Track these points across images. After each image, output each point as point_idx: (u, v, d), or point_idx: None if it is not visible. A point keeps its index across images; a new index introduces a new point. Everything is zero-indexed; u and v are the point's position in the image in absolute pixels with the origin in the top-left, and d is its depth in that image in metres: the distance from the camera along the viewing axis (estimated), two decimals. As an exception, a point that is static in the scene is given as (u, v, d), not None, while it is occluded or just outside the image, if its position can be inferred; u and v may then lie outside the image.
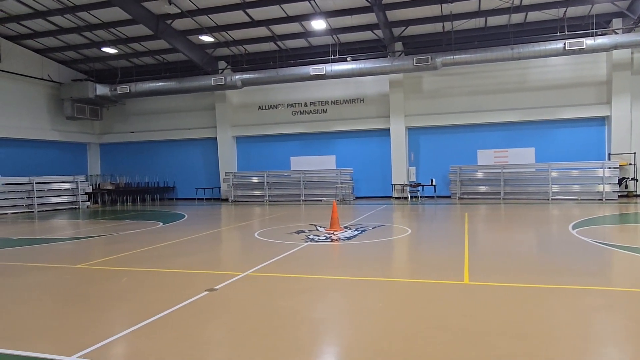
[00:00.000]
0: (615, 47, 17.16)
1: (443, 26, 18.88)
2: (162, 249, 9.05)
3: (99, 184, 24.82)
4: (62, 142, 24.75)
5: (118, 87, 22.74)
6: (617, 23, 18.25)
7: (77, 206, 21.23)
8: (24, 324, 4.66)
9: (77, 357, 3.76)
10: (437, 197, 21.22)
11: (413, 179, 21.69)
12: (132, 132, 26.23)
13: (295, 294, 5.56)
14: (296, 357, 3.69)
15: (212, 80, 21.38)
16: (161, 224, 13.73)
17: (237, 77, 21.20)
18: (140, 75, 24.02)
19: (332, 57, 20.24)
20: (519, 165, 19.96)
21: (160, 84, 22.19)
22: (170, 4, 17.52)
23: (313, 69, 19.93)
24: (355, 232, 10.62)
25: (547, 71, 20.08)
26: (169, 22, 18.95)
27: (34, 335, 4.33)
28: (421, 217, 13.87)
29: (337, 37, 20.49)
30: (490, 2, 17.29)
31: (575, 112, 19.59)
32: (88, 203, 22.00)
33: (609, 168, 18.18)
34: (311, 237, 10.07)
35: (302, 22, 19.10)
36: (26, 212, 19.32)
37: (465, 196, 20.50)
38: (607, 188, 18.15)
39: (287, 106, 23.71)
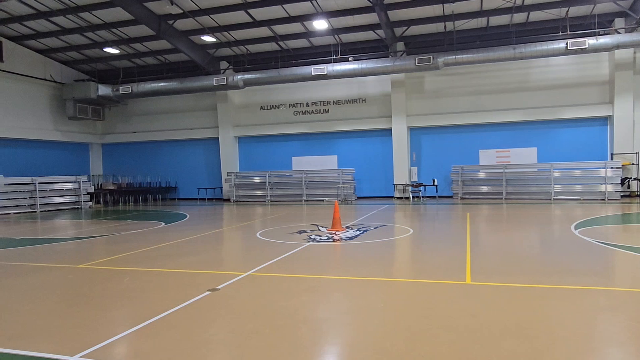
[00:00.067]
0: (618, 46, 17.11)
1: (445, 26, 18.87)
2: (164, 248, 9.06)
3: (101, 184, 24.87)
4: (65, 142, 24.80)
5: (120, 88, 22.78)
6: (619, 23, 18.21)
7: (79, 206, 21.27)
8: (27, 324, 4.67)
9: (80, 357, 3.76)
10: (439, 197, 21.21)
11: (415, 179, 21.68)
12: (134, 132, 26.27)
13: (297, 294, 5.56)
14: (298, 357, 3.69)
15: (213, 81, 21.40)
16: (163, 224, 13.75)
17: (238, 77, 21.21)
18: (142, 75, 24.07)
19: (334, 57, 20.24)
20: (521, 165, 19.93)
21: (162, 84, 22.22)
22: (172, 5, 17.54)
23: (315, 69, 19.94)
24: (357, 232, 10.62)
25: (549, 71, 20.04)
26: (170, 22, 18.97)
27: (37, 335, 4.34)
28: (423, 217, 13.85)
29: (339, 37, 20.49)
30: (492, 1, 17.26)
31: (577, 112, 19.55)
32: (90, 203, 22.04)
33: (612, 168, 18.15)
34: (313, 237, 10.07)
35: (304, 22, 19.10)
36: (29, 212, 19.36)
37: (467, 196, 20.48)
38: (610, 188, 18.11)
39: (289, 106, 23.72)
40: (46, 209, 20.03)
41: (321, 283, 6.03)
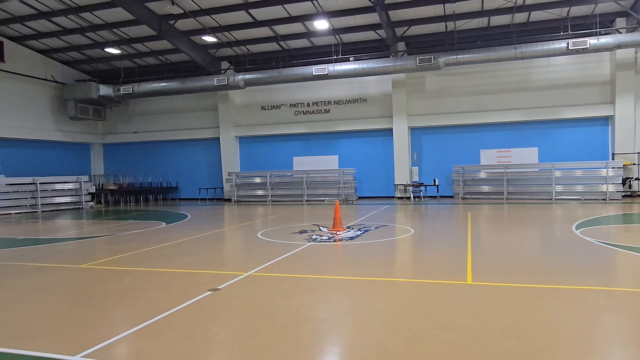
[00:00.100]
0: (619, 46, 17.09)
1: (446, 26, 18.86)
2: (166, 249, 9.07)
3: (102, 184, 24.89)
4: (66, 142, 24.83)
5: (121, 88, 22.80)
6: (620, 22, 18.19)
7: (80, 206, 21.30)
8: (28, 324, 4.68)
9: (81, 357, 3.77)
10: (440, 197, 21.20)
11: (416, 178, 21.68)
12: (135, 133, 26.29)
13: (298, 294, 5.57)
14: (299, 357, 3.69)
15: (214, 81, 21.41)
16: (164, 224, 13.76)
17: (239, 77, 21.22)
18: (143, 75, 24.10)
19: (335, 57, 20.25)
20: (522, 165, 19.92)
21: (163, 84, 22.23)
22: (173, 5, 17.55)
23: (316, 69, 19.94)
24: (358, 232, 10.62)
25: (550, 71, 20.02)
26: (171, 22, 18.99)
27: (38, 335, 4.35)
28: (424, 217, 13.85)
29: (340, 37, 20.49)
30: (493, 1, 17.26)
31: (578, 111, 19.53)
32: (91, 203, 22.06)
33: (613, 168, 18.13)
34: (314, 237, 10.08)
35: (305, 22, 19.10)
36: (30, 212, 19.39)
37: (468, 196, 20.47)
38: (611, 188, 18.09)
39: (290, 106, 23.72)
40: (47, 209, 20.05)
41: (322, 283, 6.03)
